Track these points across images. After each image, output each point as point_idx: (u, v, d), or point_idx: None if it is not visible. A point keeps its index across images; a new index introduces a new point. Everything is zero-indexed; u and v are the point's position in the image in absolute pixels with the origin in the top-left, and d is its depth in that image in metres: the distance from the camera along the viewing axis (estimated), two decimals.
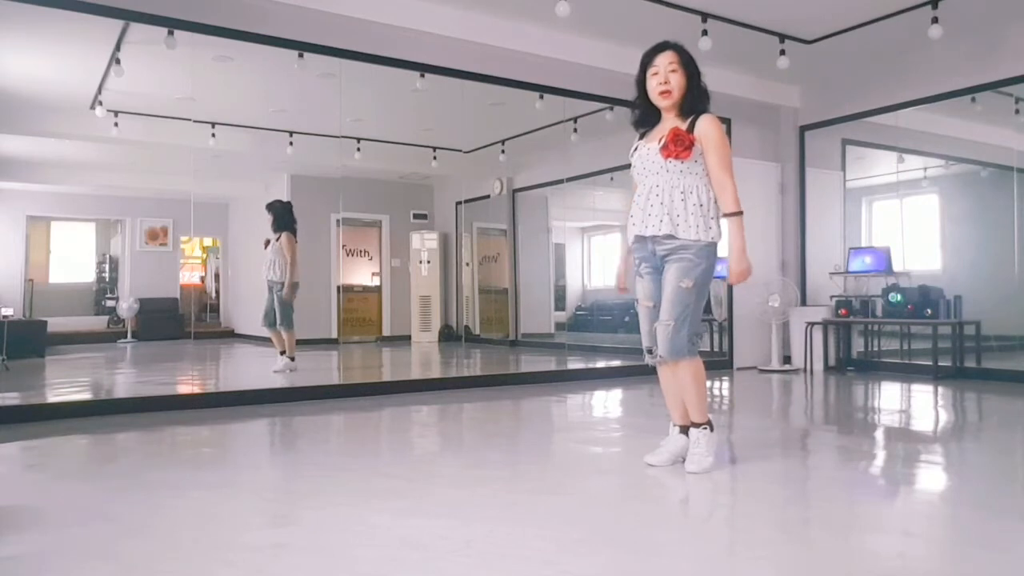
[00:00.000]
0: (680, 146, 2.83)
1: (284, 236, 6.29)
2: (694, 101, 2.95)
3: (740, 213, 2.85)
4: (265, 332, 6.39)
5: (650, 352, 3.06)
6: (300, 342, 6.28)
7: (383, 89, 6.34)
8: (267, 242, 6.47)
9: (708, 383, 6.32)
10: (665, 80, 2.92)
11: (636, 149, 3.04)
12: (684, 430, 3.05)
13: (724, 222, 2.91)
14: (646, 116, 3.05)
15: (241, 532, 2.24)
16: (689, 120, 2.92)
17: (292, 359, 6.19)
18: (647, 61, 2.99)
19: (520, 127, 7.44)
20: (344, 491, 2.67)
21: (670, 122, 2.95)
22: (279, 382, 5.83)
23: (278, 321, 6.23)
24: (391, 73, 5.56)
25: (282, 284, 6.25)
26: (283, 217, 6.36)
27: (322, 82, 5.70)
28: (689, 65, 2.95)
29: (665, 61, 2.93)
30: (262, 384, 5.61)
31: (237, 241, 8.82)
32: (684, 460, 2.98)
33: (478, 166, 8.07)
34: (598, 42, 6.22)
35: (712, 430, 3.00)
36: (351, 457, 3.43)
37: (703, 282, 2.90)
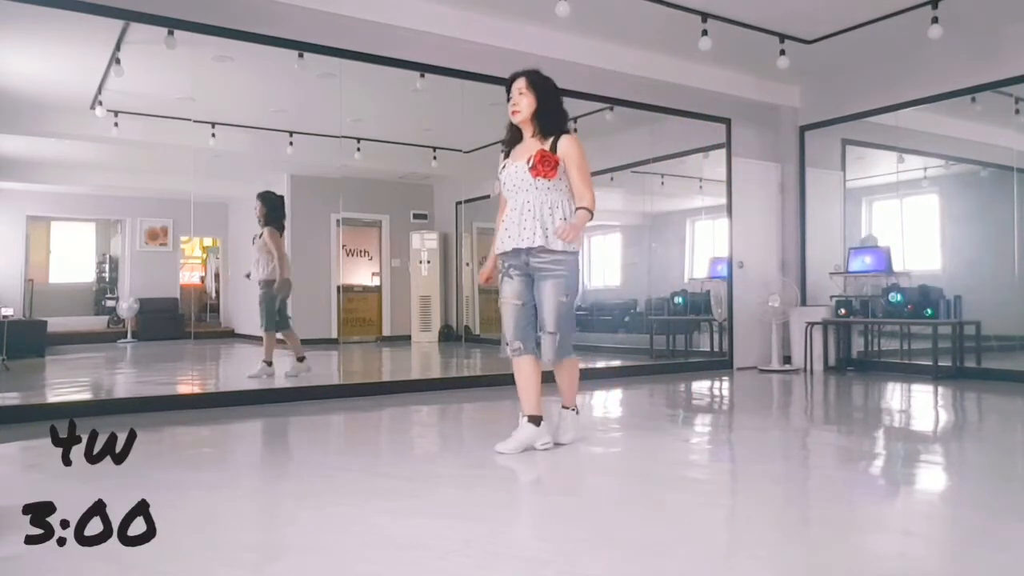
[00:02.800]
0: (547, 166, 3.18)
1: (267, 231, 5.88)
2: (548, 121, 3.29)
3: (591, 213, 3.18)
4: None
5: (509, 345, 3.37)
6: (301, 342, 6.22)
7: (383, 89, 6.33)
8: (254, 238, 6.11)
9: (708, 383, 6.34)
10: (515, 102, 3.30)
11: (504, 168, 3.36)
12: (534, 420, 3.30)
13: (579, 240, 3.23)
14: (512, 137, 3.41)
15: (241, 532, 2.24)
16: (551, 141, 3.25)
17: (301, 358, 5.93)
18: (507, 87, 3.37)
19: None
20: (344, 491, 2.67)
21: (531, 142, 3.30)
22: (281, 382, 5.77)
23: (261, 321, 5.88)
24: (391, 73, 5.56)
25: (267, 283, 5.90)
26: (275, 210, 5.96)
27: (322, 82, 5.69)
28: (538, 87, 3.29)
29: (516, 86, 3.31)
30: (262, 384, 5.60)
31: (237, 241, 8.81)
32: (536, 448, 3.28)
33: (478, 166, 8.06)
34: (598, 42, 6.22)
35: (578, 413, 3.49)
36: (351, 457, 3.43)
37: (573, 289, 3.28)
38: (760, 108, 7.46)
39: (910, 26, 5.76)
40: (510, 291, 3.32)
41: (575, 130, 7.10)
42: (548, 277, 3.21)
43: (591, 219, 3.18)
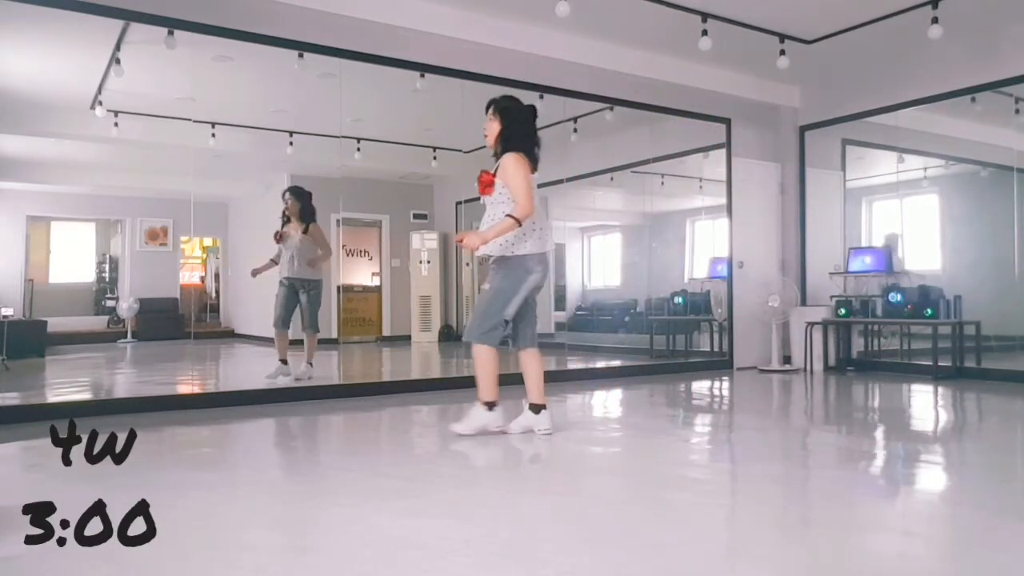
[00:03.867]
0: (482, 184, 3.63)
1: (314, 227, 5.79)
2: (507, 145, 3.63)
3: (516, 221, 3.48)
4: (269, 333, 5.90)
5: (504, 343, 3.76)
6: (300, 342, 6.18)
7: (383, 89, 6.33)
8: (278, 235, 5.86)
9: (708, 383, 6.33)
10: (485, 128, 3.72)
11: None
12: (534, 407, 3.69)
13: (530, 239, 3.60)
14: (494, 155, 3.76)
15: (241, 532, 2.24)
16: (498, 163, 3.63)
17: (310, 364, 5.79)
18: (486, 112, 3.74)
19: None
20: (344, 491, 2.67)
21: (494, 163, 3.69)
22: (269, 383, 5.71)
23: (306, 323, 5.75)
24: (391, 73, 5.55)
25: (313, 282, 5.77)
26: (310, 205, 5.83)
27: (322, 82, 5.69)
28: (504, 113, 3.66)
29: (488, 113, 3.71)
30: (262, 384, 5.60)
31: (237, 241, 8.82)
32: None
33: (478, 166, 8.03)
34: (598, 42, 6.22)
35: (490, 410, 3.65)
36: (351, 457, 3.43)
37: (501, 286, 3.62)
38: (760, 108, 7.46)
39: (910, 26, 5.76)
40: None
41: (575, 130, 7.13)
42: (489, 270, 3.73)
43: (517, 227, 3.51)
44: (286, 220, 5.86)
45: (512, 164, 3.56)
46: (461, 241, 3.61)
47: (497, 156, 3.67)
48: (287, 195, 5.85)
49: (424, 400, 5.09)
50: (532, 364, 3.72)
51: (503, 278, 3.62)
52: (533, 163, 3.66)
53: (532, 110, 3.73)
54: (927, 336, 6.43)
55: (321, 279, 5.85)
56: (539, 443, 3.54)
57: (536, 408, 3.68)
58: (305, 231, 5.76)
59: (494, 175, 3.61)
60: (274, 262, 5.90)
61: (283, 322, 5.77)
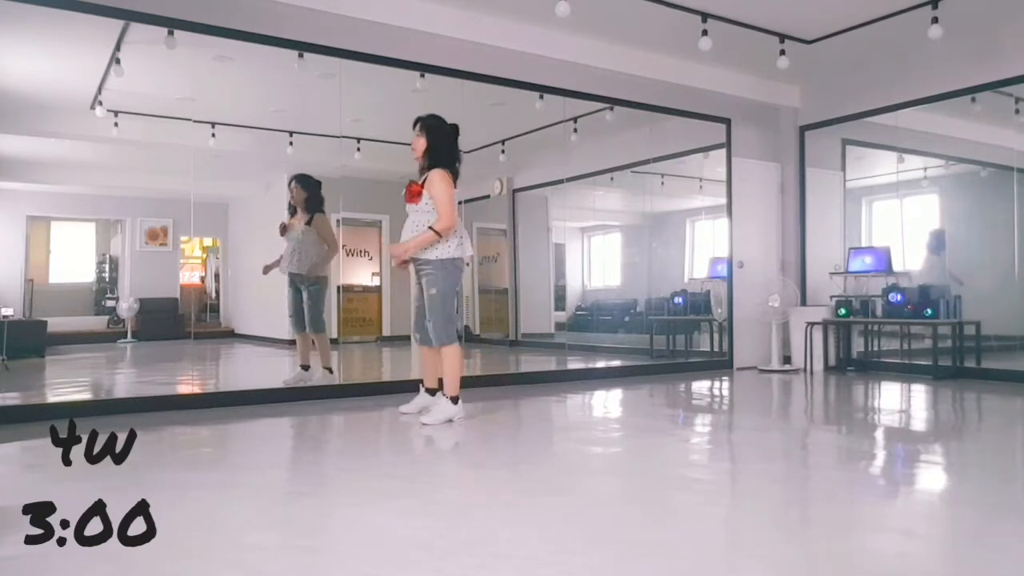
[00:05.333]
0: (410, 194, 4.03)
1: (319, 218, 5.41)
2: (432, 159, 4.05)
3: (437, 234, 3.92)
4: (283, 335, 5.69)
5: (414, 337, 4.33)
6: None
7: (383, 89, 6.32)
8: (283, 227, 5.51)
9: (708, 383, 6.33)
10: (413, 143, 4.13)
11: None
12: (430, 391, 4.28)
13: (454, 243, 4.02)
14: (420, 169, 4.17)
15: (241, 532, 2.24)
16: (426, 176, 4.03)
17: (330, 369, 5.47)
18: (413, 128, 4.14)
19: (520, 127, 7.43)
20: (344, 491, 2.67)
21: (421, 175, 4.11)
22: (278, 382, 5.72)
23: (308, 323, 5.37)
24: (391, 73, 5.55)
25: (314, 279, 5.40)
26: (318, 195, 5.45)
27: (322, 82, 5.69)
28: (430, 131, 4.08)
29: (415, 129, 4.12)
30: (262, 384, 5.59)
31: (237, 241, 8.82)
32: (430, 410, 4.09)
33: (478, 166, 8.06)
34: (598, 42, 6.22)
35: (455, 403, 4.04)
36: (351, 457, 3.43)
37: (444, 287, 4.02)
38: (760, 108, 7.46)
39: (910, 26, 5.76)
40: (413, 293, 4.29)
41: (575, 130, 7.13)
42: (423, 277, 4.09)
43: (437, 240, 3.94)
44: (293, 211, 5.55)
45: (439, 179, 3.95)
46: (394, 250, 4.05)
47: (423, 169, 4.09)
48: (292, 183, 5.52)
49: None
50: (437, 357, 4.16)
51: (443, 280, 4.01)
52: (455, 178, 4.06)
53: (455, 129, 4.14)
54: (927, 336, 6.43)
55: (324, 275, 5.51)
56: (539, 443, 3.53)
57: (432, 391, 4.26)
58: (308, 222, 5.40)
59: (422, 186, 3.99)
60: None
61: (296, 324, 5.46)
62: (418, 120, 4.13)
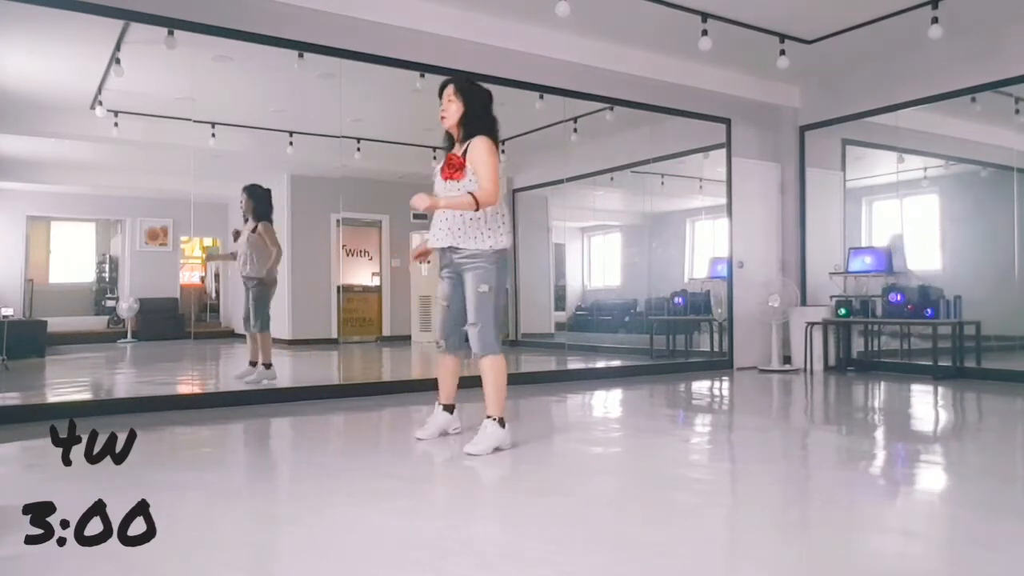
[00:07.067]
0: (452, 168, 3.32)
1: (263, 226, 5.74)
2: (472, 127, 3.36)
3: (476, 204, 3.19)
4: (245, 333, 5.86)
5: (438, 344, 3.61)
6: (302, 342, 6.17)
7: (383, 89, 6.33)
8: (236, 233, 5.90)
9: (708, 383, 6.32)
10: (443, 108, 3.43)
11: (435, 171, 3.51)
12: (448, 408, 3.61)
13: (503, 230, 3.36)
14: (448, 143, 3.52)
15: (241, 532, 2.24)
16: (466, 144, 3.34)
17: (268, 366, 5.63)
18: (439, 93, 3.47)
19: (520, 127, 7.43)
20: (344, 491, 2.66)
21: (457, 147, 3.42)
22: (281, 382, 5.70)
23: (252, 322, 5.68)
24: (391, 73, 5.55)
25: (258, 280, 5.72)
26: (264, 204, 5.83)
27: (322, 82, 5.69)
28: (466, 93, 3.40)
29: (446, 93, 3.43)
30: (262, 384, 5.59)
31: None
32: (449, 433, 3.58)
33: None
34: (598, 42, 6.22)
35: (503, 426, 3.30)
36: (351, 457, 3.43)
37: (498, 285, 3.33)
38: (760, 108, 7.46)
39: (910, 26, 5.76)
40: (440, 292, 3.57)
41: (575, 130, 7.12)
42: (468, 270, 3.34)
43: (474, 209, 3.22)
44: (246, 219, 5.88)
45: (484, 148, 3.29)
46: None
47: (458, 140, 3.42)
48: (242, 193, 5.86)
49: (424, 400, 5.08)
50: (459, 369, 3.66)
51: (495, 275, 3.32)
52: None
53: (490, 94, 3.50)
54: (927, 336, 6.43)
55: (264, 276, 5.77)
56: (539, 443, 3.53)
57: (451, 408, 3.65)
58: (254, 230, 5.77)
59: (464, 158, 3.31)
60: (233, 256, 5.99)
61: (244, 322, 5.83)
62: (448, 82, 3.46)
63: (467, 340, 3.43)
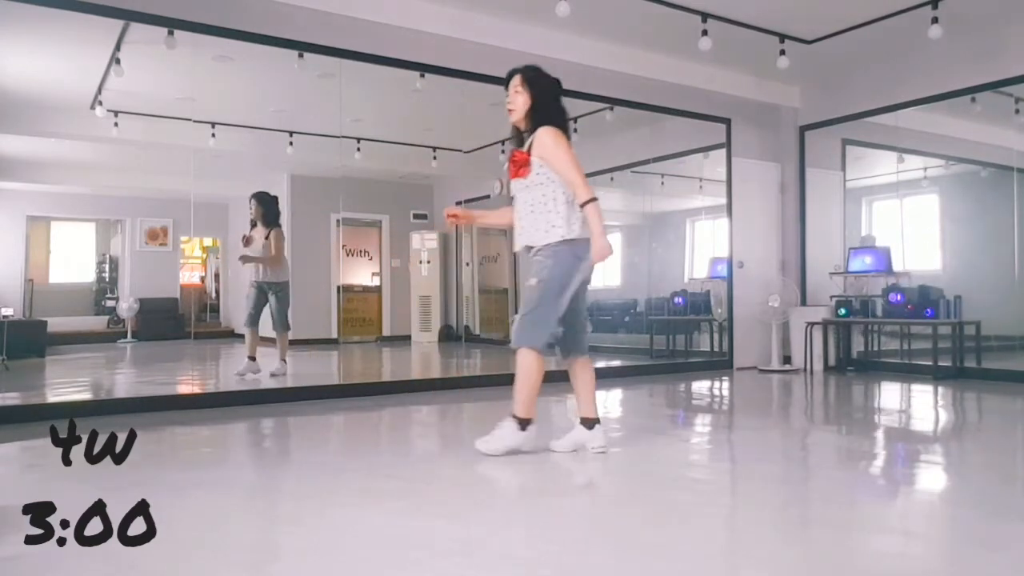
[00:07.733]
0: (516, 165, 3.14)
1: (276, 232, 5.95)
2: (539, 120, 3.15)
3: (594, 200, 3.04)
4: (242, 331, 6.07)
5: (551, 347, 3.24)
6: (302, 342, 6.20)
7: (383, 89, 6.33)
8: (246, 238, 6.03)
9: (708, 383, 6.31)
10: (510, 100, 3.21)
11: (504, 169, 3.34)
12: (587, 423, 3.26)
13: (577, 221, 3.11)
14: (517, 137, 3.30)
15: (241, 532, 2.24)
16: (531, 139, 3.15)
17: (285, 362, 5.91)
18: (505, 85, 3.26)
19: None
20: (344, 491, 2.66)
21: (525, 141, 3.21)
22: (272, 383, 5.68)
23: (276, 323, 5.89)
24: (391, 73, 5.55)
25: (281, 284, 5.93)
26: (273, 211, 6.01)
27: (322, 82, 5.69)
28: (534, 84, 3.18)
29: (512, 84, 3.22)
30: (262, 384, 5.60)
31: (237, 241, 8.82)
32: (590, 450, 3.23)
33: (478, 166, 8.06)
34: (598, 42, 6.22)
35: (523, 428, 3.13)
36: (351, 457, 3.43)
37: (550, 277, 3.09)
38: (760, 108, 7.46)
39: (910, 26, 5.76)
40: None
41: (575, 130, 7.13)
42: (533, 266, 3.18)
43: (597, 206, 3.05)
44: (254, 224, 6.04)
45: (552, 141, 3.08)
46: (456, 217, 3.32)
47: (525, 134, 3.21)
48: (252, 200, 6.04)
49: (424, 400, 5.09)
50: (584, 373, 3.29)
51: (550, 267, 3.09)
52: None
53: (559, 83, 3.28)
54: (927, 336, 6.43)
55: (288, 280, 6.02)
56: (539, 443, 3.53)
57: (589, 423, 3.25)
58: (267, 236, 5.94)
59: (528, 153, 3.12)
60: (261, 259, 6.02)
61: (252, 321, 5.93)
62: (514, 72, 3.23)
63: (576, 340, 3.31)
